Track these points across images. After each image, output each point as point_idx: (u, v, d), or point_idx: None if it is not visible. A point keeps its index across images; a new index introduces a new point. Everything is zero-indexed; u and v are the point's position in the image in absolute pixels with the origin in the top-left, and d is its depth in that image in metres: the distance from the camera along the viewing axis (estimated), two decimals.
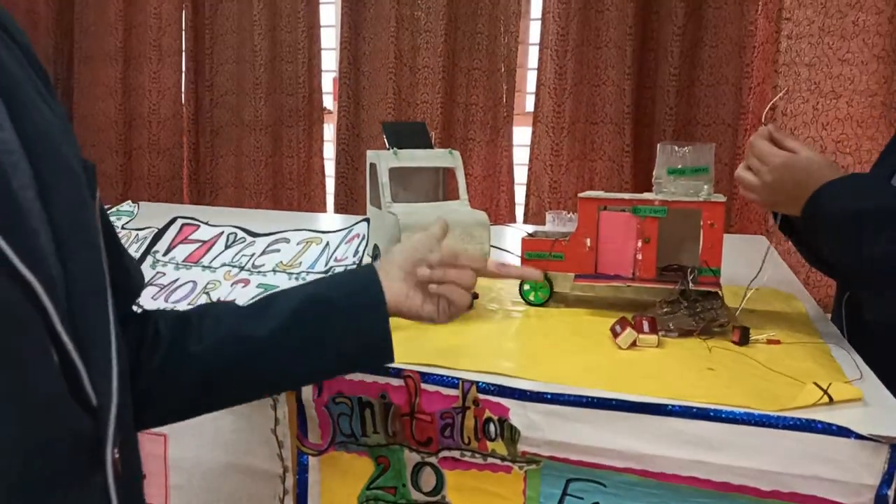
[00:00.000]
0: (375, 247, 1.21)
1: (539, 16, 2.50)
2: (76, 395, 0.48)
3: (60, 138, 0.54)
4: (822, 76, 2.15)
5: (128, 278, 0.67)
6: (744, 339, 1.00)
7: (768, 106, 1.55)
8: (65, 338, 0.47)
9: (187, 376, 0.71)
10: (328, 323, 0.75)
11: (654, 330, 0.99)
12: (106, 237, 0.59)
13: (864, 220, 0.93)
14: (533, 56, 2.61)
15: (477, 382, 0.85)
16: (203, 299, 1.10)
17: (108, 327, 0.53)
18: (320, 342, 0.75)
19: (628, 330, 0.98)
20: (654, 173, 1.16)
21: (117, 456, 0.51)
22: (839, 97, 2.15)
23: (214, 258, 1.19)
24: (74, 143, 0.57)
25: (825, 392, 0.79)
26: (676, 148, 1.12)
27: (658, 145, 1.16)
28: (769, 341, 1.00)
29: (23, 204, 0.48)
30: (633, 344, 0.98)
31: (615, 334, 0.99)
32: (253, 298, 0.81)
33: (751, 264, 1.11)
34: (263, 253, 1.18)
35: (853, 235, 0.94)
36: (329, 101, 2.93)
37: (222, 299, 1.09)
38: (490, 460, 0.86)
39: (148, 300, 1.10)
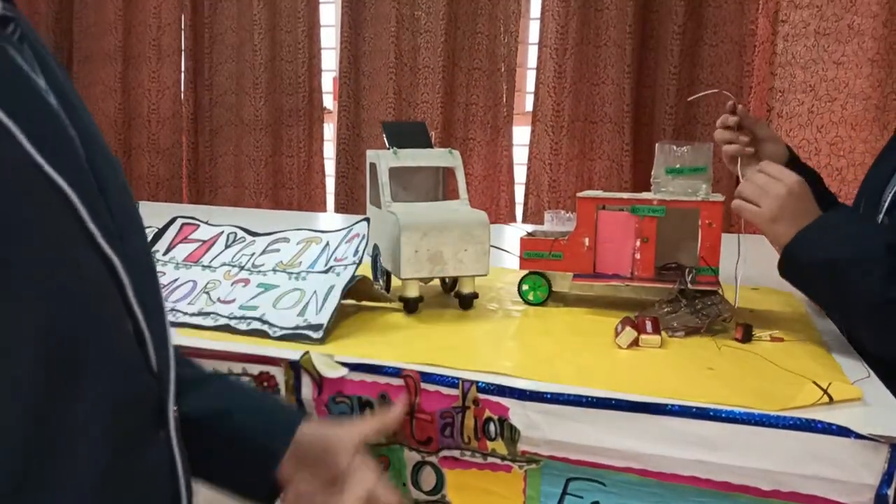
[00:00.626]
0: (375, 246, 1.21)
1: (538, 15, 2.51)
2: (145, 361, 0.55)
3: (101, 136, 0.59)
4: (817, 79, 2.17)
5: None
6: (747, 337, 1.00)
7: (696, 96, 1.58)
8: (137, 310, 0.53)
9: None
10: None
11: (656, 330, 0.99)
12: None
13: (845, 267, 0.93)
14: (532, 55, 2.62)
15: (477, 382, 0.85)
16: (203, 298, 1.10)
17: (161, 301, 0.59)
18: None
19: (628, 329, 0.98)
20: (652, 173, 1.16)
21: (176, 414, 0.58)
22: (834, 100, 2.16)
23: (214, 258, 1.19)
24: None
25: (825, 392, 0.79)
26: (675, 147, 1.12)
27: (656, 145, 1.16)
28: (773, 339, 1.01)
29: (99, 196, 0.53)
30: (634, 343, 0.98)
31: (617, 334, 0.99)
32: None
33: (750, 263, 1.11)
34: (263, 252, 1.18)
35: (838, 283, 0.94)
36: (329, 101, 2.93)
37: (222, 299, 1.09)
38: (490, 460, 0.86)
39: None
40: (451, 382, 0.86)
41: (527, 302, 1.19)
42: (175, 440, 0.58)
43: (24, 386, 0.44)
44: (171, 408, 0.57)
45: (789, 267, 0.99)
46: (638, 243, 1.13)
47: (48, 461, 0.45)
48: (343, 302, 1.04)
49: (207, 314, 1.06)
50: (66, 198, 0.47)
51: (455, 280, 1.20)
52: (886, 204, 1.06)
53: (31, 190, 0.45)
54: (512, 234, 1.75)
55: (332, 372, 0.90)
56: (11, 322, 0.43)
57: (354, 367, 0.90)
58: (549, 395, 0.82)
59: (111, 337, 0.51)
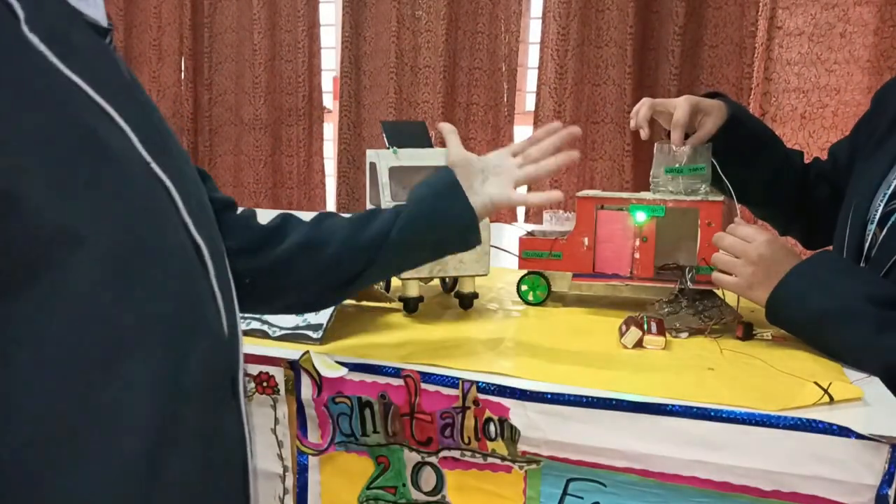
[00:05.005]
0: None
1: (540, 15, 2.51)
2: (226, 336, 0.61)
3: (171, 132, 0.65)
4: (810, 85, 2.21)
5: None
6: (748, 335, 1.00)
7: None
8: (216, 289, 0.59)
9: (310, 270, 0.87)
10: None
11: (661, 331, 0.99)
12: None
13: (828, 321, 0.93)
14: (533, 55, 2.62)
15: (477, 382, 0.85)
16: None
17: (230, 281, 0.65)
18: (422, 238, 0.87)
19: (633, 328, 0.97)
20: (651, 173, 1.16)
21: (245, 387, 0.64)
22: (825, 106, 2.19)
23: None
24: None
25: (826, 391, 0.79)
26: (674, 147, 1.12)
27: (655, 144, 1.16)
28: (774, 338, 1.00)
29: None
30: (639, 343, 0.97)
31: (622, 333, 0.98)
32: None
33: None
34: None
35: (823, 337, 0.94)
36: (329, 100, 2.93)
37: None
38: (490, 460, 0.86)
39: None
40: (451, 382, 0.86)
41: (526, 302, 1.19)
42: (243, 406, 0.63)
43: (151, 359, 0.51)
44: (241, 376, 0.63)
45: (774, 322, 1.00)
46: (637, 243, 1.12)
47: (171, 418, 0.52)
48: (343, 302, 1.04)
49: None
50: (169, 192, 0.55)
51: (455, 280, 1.20)
52: (878, 214, 1.05)
53: (148, 186, 0.53)
54: (513, 234, 1.75)
55: (331, 372, 0.90)
56: (147, 301, 0.51)
57: (354, 367, 0.90)
58: (549, 395, 0.82)
59: (209, 311, 0.58)
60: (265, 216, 0.94)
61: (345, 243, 0.86)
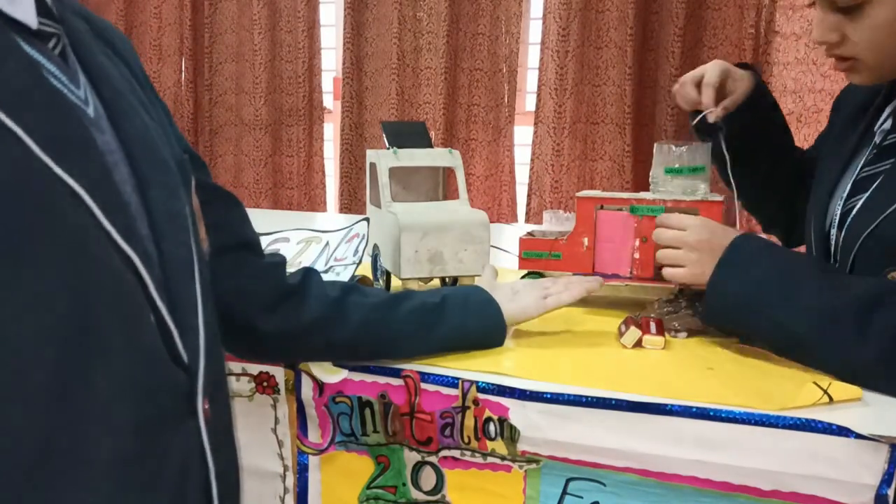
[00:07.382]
0: (375, 246, 1.21)
1: (540, 16, 2.51)
2: (171, 352, 0.57)
3: (158, 140, 0.63)
4: (806, 89, 2.22)
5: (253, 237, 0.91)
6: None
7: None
8: (160, 303, 0.56)
9: (322, 345, 0.90)
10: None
11: (661, 332, 0.99)
12: (216, 213, 0.79)
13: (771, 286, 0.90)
14: (533, 56, 2.62)
15: (477, 382, 0.85)
16: None
17: (195, 297, 0.61)
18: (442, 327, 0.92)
19: (632, 328, 0.97)
20: (651, 173, 1.16)
21: (207, 407, 0.60)
22: (820, 110, 2.22)
23: None
24: (173, 142, 0.69)
25: (825, 391, 0.79)
26: (673, 147, 1.12)
27: (655, 145, 1.16)
28: None
29: (123, 195, 0.56)
30: (638, 343, 0.97)
31: (621, 333, 0.99)
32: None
33: None
34: None
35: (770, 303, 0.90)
36: (329, 101, 2.93)
37: None
38: (490, 460, 0.86)
39: None
40: (450, 382, 0.86)
41: None
42: (205, 431, 0.60)
43: (39, 373, 0.47)
44: (201, 400, 0.59)
45: (715, 309, 0.96)
46: (637, 243, 1.13)
47: (69, 442, 0.48)
48: None
49: None
50: (78, 196, 0.50)
51: (455, 280, 1.19)
52: (837, 218, 1.04)
53: (40, 189, 0.48)
54: (513, 234, 1.75)
55: (332, 377, 0.91)
56: (26, 311, 0.47)
57: (354, 367, 0.90)
58: (548, 395, 0.82)
59: (131, 327, 0.54)
60: (267, 217, 0.94)
61: (364, 326, 0.89)
